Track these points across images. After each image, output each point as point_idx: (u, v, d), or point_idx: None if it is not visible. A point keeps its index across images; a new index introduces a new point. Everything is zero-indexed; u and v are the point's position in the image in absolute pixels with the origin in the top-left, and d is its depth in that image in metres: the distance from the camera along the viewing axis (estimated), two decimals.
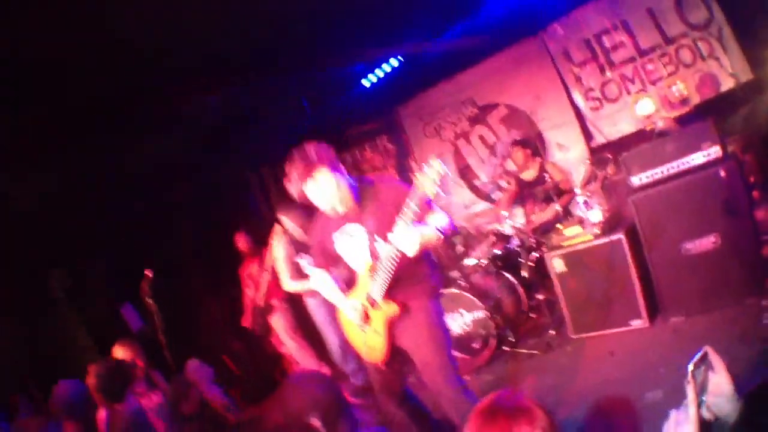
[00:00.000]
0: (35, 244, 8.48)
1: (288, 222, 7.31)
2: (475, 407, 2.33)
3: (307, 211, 6.74)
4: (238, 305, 9.88)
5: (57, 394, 5.53)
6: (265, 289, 9.05)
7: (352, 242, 4.96)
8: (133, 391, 6.11)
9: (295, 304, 8.47)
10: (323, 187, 4.72)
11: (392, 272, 4.62)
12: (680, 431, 2.52)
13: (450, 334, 5.16)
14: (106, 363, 5.84)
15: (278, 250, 7.45)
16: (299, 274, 7.05)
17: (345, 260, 5.10)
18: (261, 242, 8.81)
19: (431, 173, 4.19)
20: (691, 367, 2.57)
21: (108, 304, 9.51)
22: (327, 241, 5.10)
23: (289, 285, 7.50)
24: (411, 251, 4.40)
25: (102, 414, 5.57)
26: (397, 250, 4.49)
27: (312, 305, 7.47)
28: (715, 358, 2.57)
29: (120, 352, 6.94)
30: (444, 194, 4.40)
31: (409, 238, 4.35)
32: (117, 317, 9.42)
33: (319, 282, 5.31)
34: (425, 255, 4.99)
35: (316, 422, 3.02)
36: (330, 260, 5.19)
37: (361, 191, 4.92)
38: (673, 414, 2.54)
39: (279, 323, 9.22)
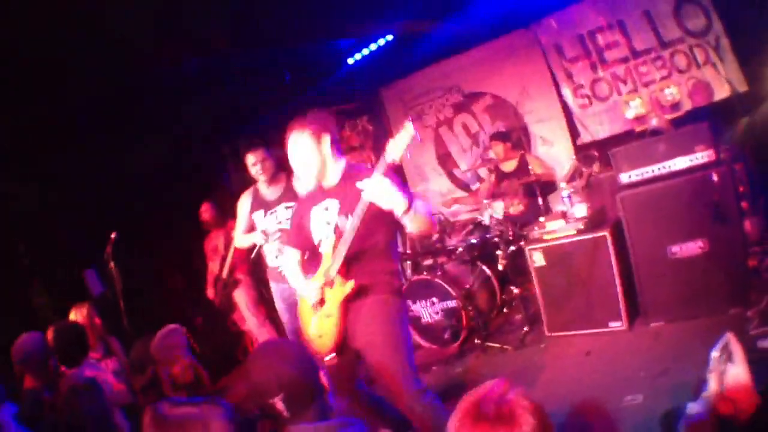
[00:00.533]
0: None
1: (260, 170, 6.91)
2: (459, 407, 2.10)
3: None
4: (203, 279, 9.67)
5: (16, 345, 5.43)
6: (230, 262, 8.76)
7: (323, 217, 4.78)
8: (89, 357, 6.05)
9: (260, 280, 8.20)
10: (299, 149, 4.60)
11: (351, 245, 4.45)
12: None
13: (410, 334, 4.91)
14: (60, 324, 5.83)
15: (243, 201, 7.10)
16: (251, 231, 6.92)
17: (314, 239, 4.89)
18: (227, 214, 8.61)
19: (401, 136, 4.13)
20: (715, 353, 2.32)
21: (71, 269, 9.23)
22: (304, 218, 4.92)
23: (239, 239, 7.21)
24: (379, 199, 4.17)
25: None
26: (362, 212, 4.34)
27: (273, 289, 7.16)
28: (735, 348, 2.32)
29: (76, 315, 6.77)
30: (409, 156, 4.29)
31: (377, 185, 4.14)
32: (80, 282, 9.15)
33: (285, 260, 5.20)
34: (394, 253, 4.86)
35: (279, 404, 2.75)
36: (304, 243, 5.00)
37: (346, 173, 4.74)
38: (691, 407, 2.29)
39: (242, 298, 9.07)
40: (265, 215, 6.75)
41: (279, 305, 7.04)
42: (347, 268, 4.56)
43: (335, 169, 4.69)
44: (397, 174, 4.40)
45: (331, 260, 4.59)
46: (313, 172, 4.64)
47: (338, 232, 4.62)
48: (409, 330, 4.91)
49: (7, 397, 3.37)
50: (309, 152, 4.56)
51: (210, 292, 9.47)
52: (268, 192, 6.81)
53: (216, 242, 9.42)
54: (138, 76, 7.68)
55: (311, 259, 5.08)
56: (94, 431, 4.25)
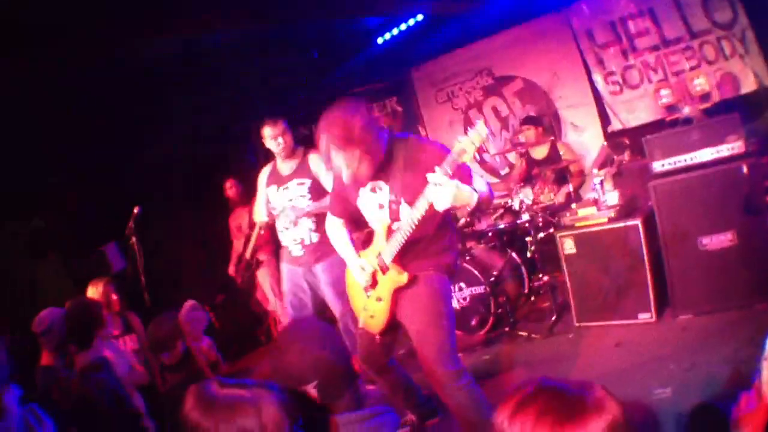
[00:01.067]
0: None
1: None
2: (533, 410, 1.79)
3: None
4: (226, 256, 9.66)
5: (39, 316, 5.45)
6: (254, 242, 8.75)
7: (375, 198, 4.68)
8: (105, 335, 5.99)
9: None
10: (334, 159, 4.44)
11: (408, 236, 4.36)
12: None
13: (453, 313, 4.81)
14: (72, 303, 5.72)
15: (262, 175, 7.03)
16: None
17: (364, 216, 4.84)
18: (253, 192, 8.63)
19: (473, 135, 3.97)
20: None
21: (92, 245, 9.25)
22: (351, 193, 4.82)
23: (257, 213, 7.17)
24: (442, 204, 4.04)
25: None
26: (424, 210, 4.22)
27: (282, 270, 7.03)
28: None
29: (93, 292, 6.76)
30: (478, 158, 4.21)
31: (443, 189, 3.98)
32: (101, 258, 9.15)
33: (330, 228, 5.12)
34: (449, 226, 4.80)
35: (312, 391, 2.71)
36: (347, 211, 4.96)
37: (392, 146, 4.58)
38: (743, 395, 2.27)
39: (265, 279, 9.06)
40: (277, 190, 6.69)
41: (285, 286, 6.97)
42: (402, 255, 4.51)
43: (377, 147, 4.49)
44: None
45: (385, 244, 4.53)
46: (358, 172, 4.49)
47: (392, 214, 4.54)
48: (453, 309, 4.82)
49: (13, 378, 3.32)
50: (344, 160, 4.41)
51: (231, 270, 9.47)
52: (284, 166, 6.75)
53: (240, 220, 9.42)
54: (164, 46, 7.68)
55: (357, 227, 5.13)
56: (106, 413, 4.22)
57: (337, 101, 4.50)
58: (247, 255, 8.93)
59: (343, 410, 2.66)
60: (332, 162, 4.48)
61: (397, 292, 4.59)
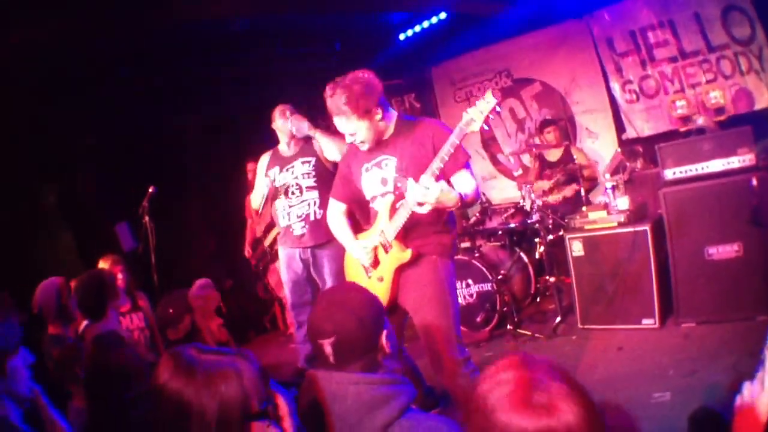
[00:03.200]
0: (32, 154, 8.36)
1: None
2: (505, 379, 1.83)
3: None
4: (237, 241, 9.70)
5: (37, 289, 5.46)
6: (276, 233, 8.82)
7: (380, 174, 4.69)
8: (117, 309, 6.04)
9: None
10: (348, 127, 4.51)
11: (412, 213, 4.36)
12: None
13: (457, 299, 4.93)
14: (86, 274, 5.76)
15: (262, 160, 7.01)
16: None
17: (366, 196, 4.86)
18: None
19: (482, 105, 4.09)
20: None
21: (101, 223, 9.33)
22: (354, 171, 4.87)
23: (253, 200, 7.09)
24: (424, 207, 4.14)
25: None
26: (409, 211, 4.31)
27: (280, 255, 6.98)
28: None
29: (104, 265, 6.81)
30: (487, 128, 4.22)
31: (428, 191, 4.04)
32: (110, 236, 9.22)
33: (331, 213, 5.14)
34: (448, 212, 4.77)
35: (327, 347, 2.72)
36: (349, 193, 4.99)
37: (400, 124, 4.67)
38: (747, 385, 2.28)
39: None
40: (280, 171, 6.65)
41: (284, 275, 6.94)
42: (405, 234, 4.52)
43: (388, 125, 4.61)
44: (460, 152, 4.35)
45: (388, 221, 4.54)
46: (367, 143, 4.59)
47: (397, 191, 4.55)
48: (457, 294, 4.87)
49: (23, 343, 3.35)
50: (358, 131, 4.50)
51: (247, 251, 9.50)
52: (287, 149, 6.75)
53: None
54: (185, 32, 7.75)
55: (359, 213, 5.13)
56: (120, 383, 4.24)
57: (355, 73, 4.52)
58: (266, 243, 8.99)
59: (356, 371, 2.70)
60: (344, 128, 4.55)
61: (400, 271, 4.62)
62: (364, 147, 4.64)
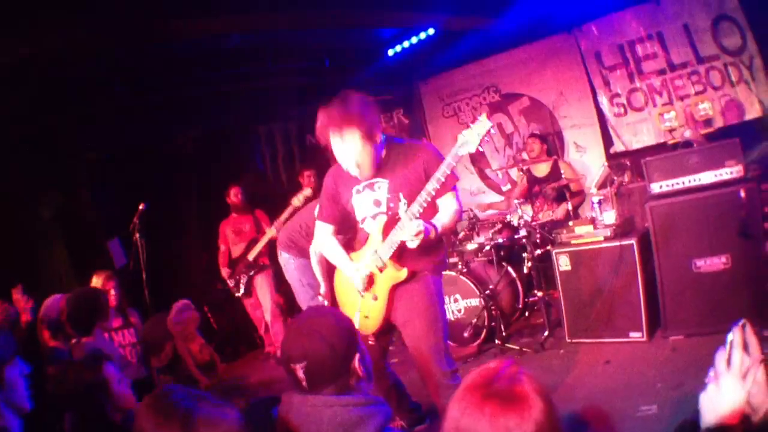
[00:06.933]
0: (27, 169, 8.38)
1: None
2: (467, 380, 2.01)
3: None
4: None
5: (43, 305, 5.67)
6: (262, 247, 8.86)
7: (372, 195, 4.68)
8: (107, 326, 6.09)
9: (278, 265, 7.92)
10: (347, 147, 4.43)
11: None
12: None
13: (445, 314, 4.95)
14: (81, 291, 5.82)
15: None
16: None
17: (356, 217, 4.84)
18: (257, 198, 8.64)
19: (478, 128, 4.14)
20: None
21: (95, 238, 9.31)
22: (343, 193, 4.84)
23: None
24: (413, 243, 4.24)
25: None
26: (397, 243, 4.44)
27: (293, 264, 7.07)
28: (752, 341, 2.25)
29: (96, 281, 6.82)
30: (482, 149, 4.27)
31: (409, 230, 4.20)
32: (103, 252, 9.21)
33: (319, 235, 5.11)
34: None
35: (300, 372, 2.73)
36: (336, 213, 4.97)
37: (390, 149, 4.66)
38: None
39: (265, 282, 9.05)
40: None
41: (295, 281, 7.05)
42: (399, 253, 4.52)
43: (381, 145, 4.59)
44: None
45: (381, 243, 4.56)
46: (364, 167, 4.55)
47: (390, 213, 4.58)
48: (445, 308, 4.94)
49: (18, 353, 3.34)
50: (358, 151, 4.43)
51: (225, 272, 9.50)
52: None
53: (241, 226, 9.42)
54: (177, 49, 7.78)
55: (346, 233, 5.13)
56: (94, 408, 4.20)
57: (351, 95, 4.49)
58: (250, 257, 8.99)
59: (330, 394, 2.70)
60: (340, 154, 4.52)
61: (394, 289, 4.65)
62: (358, 172, 4.57)
